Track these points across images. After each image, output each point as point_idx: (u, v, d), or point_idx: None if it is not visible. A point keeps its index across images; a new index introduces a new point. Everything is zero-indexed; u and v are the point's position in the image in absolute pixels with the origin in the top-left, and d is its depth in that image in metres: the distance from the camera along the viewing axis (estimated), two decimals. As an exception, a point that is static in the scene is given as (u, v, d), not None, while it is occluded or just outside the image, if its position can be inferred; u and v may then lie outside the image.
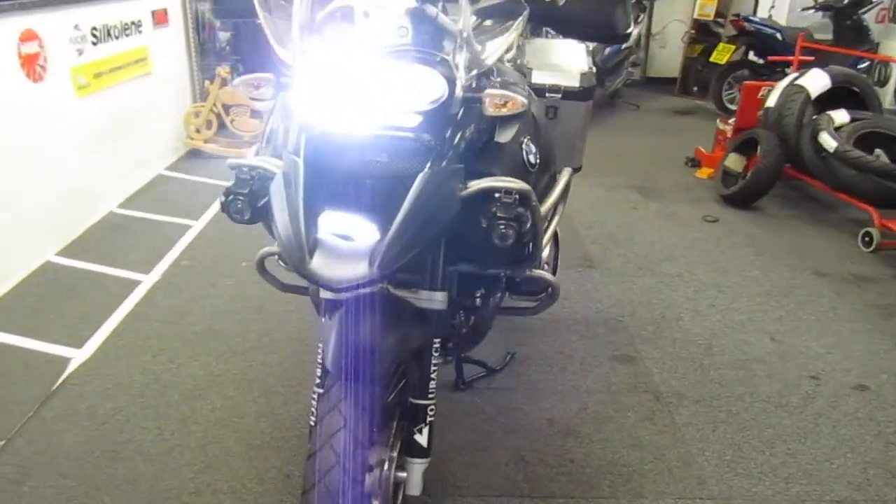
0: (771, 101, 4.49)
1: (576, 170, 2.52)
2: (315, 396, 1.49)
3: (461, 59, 1.34)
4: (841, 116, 4.09)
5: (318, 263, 1.20)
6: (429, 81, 1.29)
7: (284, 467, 2.05)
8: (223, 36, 5.73)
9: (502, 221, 1.34)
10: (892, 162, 3.86)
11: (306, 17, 1.34)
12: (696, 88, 7.71)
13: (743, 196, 4.36)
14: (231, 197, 1.45)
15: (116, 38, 4.04)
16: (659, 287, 3.32)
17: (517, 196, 1.38)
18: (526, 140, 1.59)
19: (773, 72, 6.24)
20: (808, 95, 4.33)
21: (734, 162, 4.61)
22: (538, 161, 1.62)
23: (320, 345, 1.46)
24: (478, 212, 1.38)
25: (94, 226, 3.76)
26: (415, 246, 1.24)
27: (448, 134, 1.34)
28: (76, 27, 3.64)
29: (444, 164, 1.30)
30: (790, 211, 4.44)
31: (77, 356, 2.59)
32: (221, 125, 5.00)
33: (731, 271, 3.53)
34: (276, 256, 1.80)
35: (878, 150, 3.97)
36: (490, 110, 1.39)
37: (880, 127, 4.02)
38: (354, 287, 1.21)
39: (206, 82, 5.10)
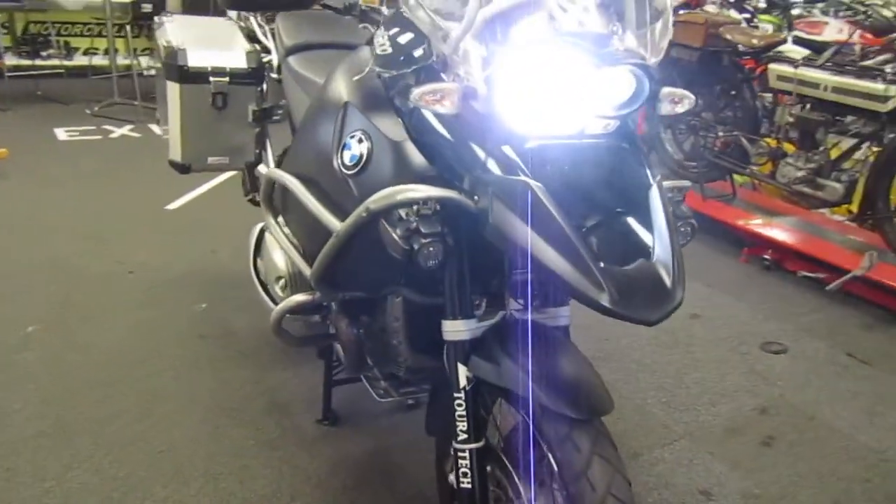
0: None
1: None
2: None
3: (652, 47, 1.13)
4: None
5: (620, 297, 0.98)
6: (635, 79, 1.08)
7: None
8: None
9: None
10: None
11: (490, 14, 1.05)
12: None
13: None
14: (427, 241, 1.09)
15: None
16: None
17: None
18: None
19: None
20: None
21: None
22: None
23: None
24: None
25: None
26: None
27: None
28: None
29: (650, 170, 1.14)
30: None
31: None
32: None
33: None
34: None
35: None
36: (667, 109, 1.19)
37: None
38: (666, 317, 1.02)
39: None
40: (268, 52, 2.23)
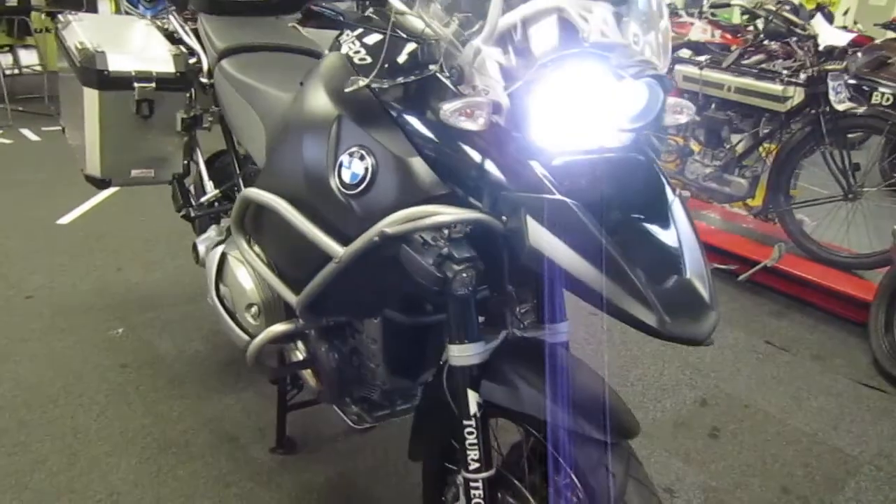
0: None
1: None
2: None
3: (663, 55, 1.09)
4: None
5: (668, 317, 0.94)
6: (649, 90, 1.04)
7: None
8: None
9: None
10: None
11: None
12: None
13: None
14: (461, 268, 1.02)
15: None
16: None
17: None
18: None
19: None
20: None
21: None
22: None
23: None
24: None
25: None
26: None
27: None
28: None
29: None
30: None
31: None
32: None
33: None
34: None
35: None
36: (670, 120, 1.14)
37: None
38: (712, 333, 0.99)
39: None
40: (192, 54, 2.06)
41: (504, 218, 1.02)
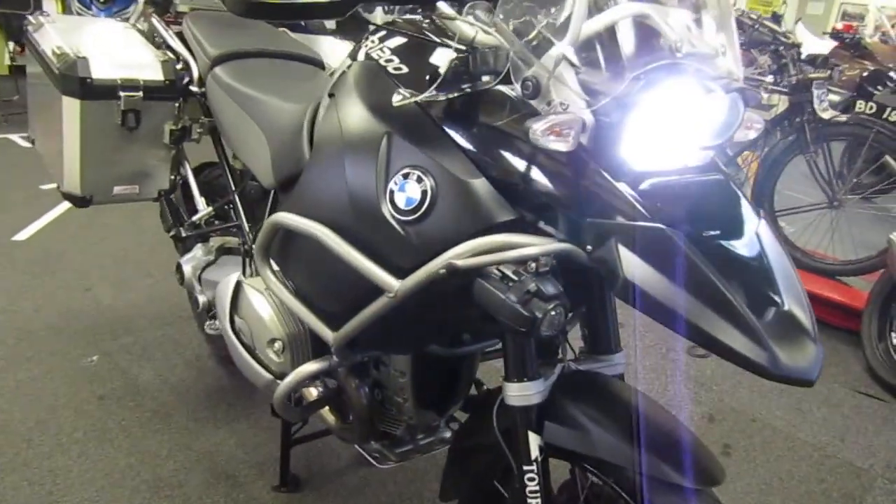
0: None
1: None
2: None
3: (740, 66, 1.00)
4: None
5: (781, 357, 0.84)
6: (732, 105, 0.96)
7: None
8: None
9: None
10: None
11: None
12: None
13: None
14: (552, 306, 0.92)
15: None
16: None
17: None
18: None
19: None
20: None
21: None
22: None
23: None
24: None
25: None
26: None
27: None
28: None
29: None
30: None
31: None
32: None
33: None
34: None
35: None
36: (741, 135, 1.03)
37: None
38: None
39: None
40: (179, 60, 1.89)
41: (589, 248, 0.91)
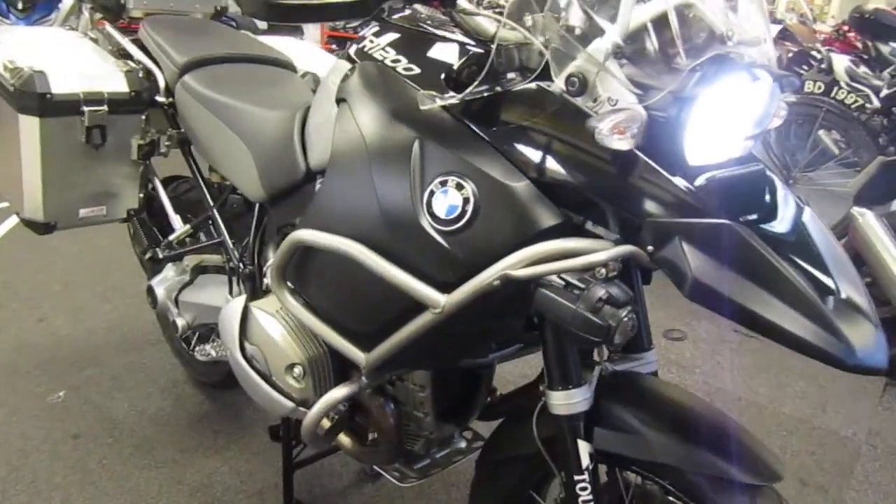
0: None
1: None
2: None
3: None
4: None
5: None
6: (774, 92, 0.92)
7: None
8: None
9: None
10: None
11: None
12: None
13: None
14: (627, 313, 0.89)
15: None
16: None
17: None
18: None
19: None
20: None
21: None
22: None
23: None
24: None
25: None
26: None
27: None
28: None
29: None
30: None
31: None
32: None
33: None
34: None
35: None
36: (774, 122, 1.01)
37: None
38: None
39: None
40: (140, 69, 1.77)
41: (650, 248, 0.88)
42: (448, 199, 0.95)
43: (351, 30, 7.73)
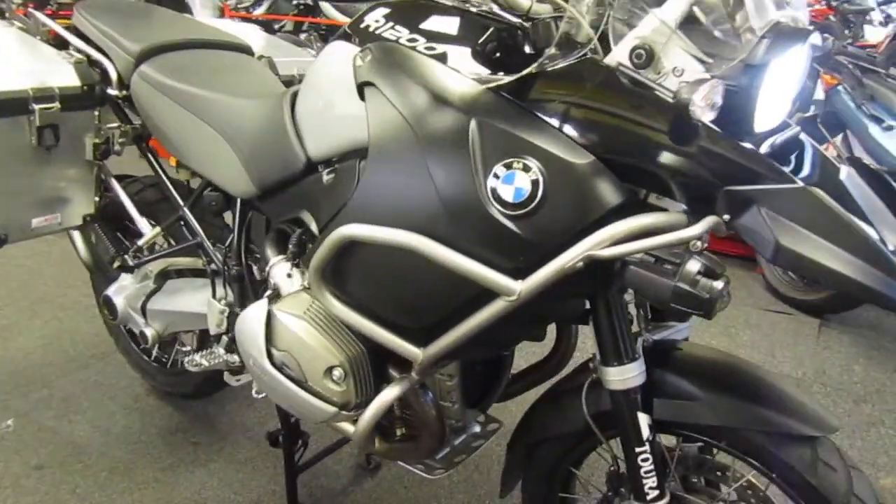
0: None
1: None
2: None
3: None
4: None
5: None
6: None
7: None
8: None
9: None
10: None
11: None
12: None
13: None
14: (723, 283, 0.90)
15: None
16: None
17: None
18: None
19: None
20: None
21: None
22: None
23: None
24: None
25: None
26: None
27: None
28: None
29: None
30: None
31: None
32: None
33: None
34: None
35: None
36: None
37: None
38: None
39: None
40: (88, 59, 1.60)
41: (726, 217, 0.88)
42: (516, 183, 0.91)
43: (243, 10, 7.36)
